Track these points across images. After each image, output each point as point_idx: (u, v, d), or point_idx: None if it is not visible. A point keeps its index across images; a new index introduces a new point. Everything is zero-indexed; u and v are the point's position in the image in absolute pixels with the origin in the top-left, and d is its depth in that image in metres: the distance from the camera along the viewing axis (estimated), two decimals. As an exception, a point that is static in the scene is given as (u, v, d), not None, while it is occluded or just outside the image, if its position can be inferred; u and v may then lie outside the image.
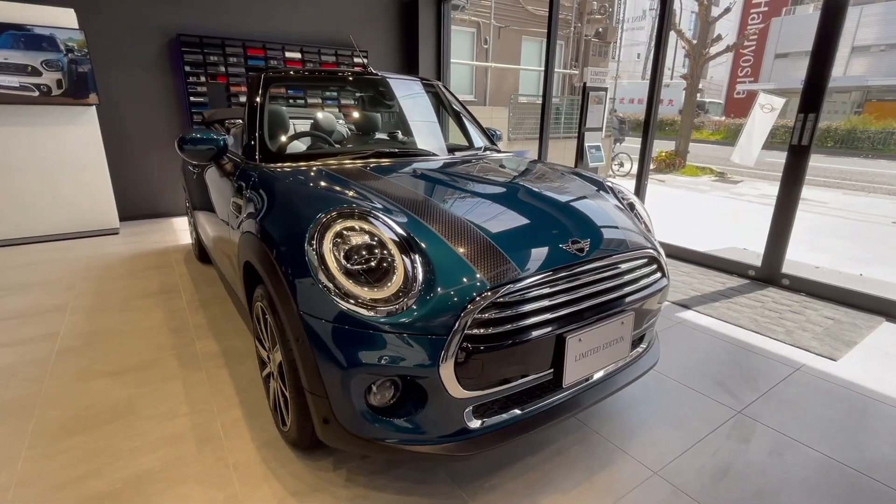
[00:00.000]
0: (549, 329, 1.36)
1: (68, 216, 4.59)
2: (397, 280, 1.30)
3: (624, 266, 1.61)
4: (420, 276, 1.31)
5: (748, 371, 2.31)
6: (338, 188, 1.69)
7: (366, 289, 1.29)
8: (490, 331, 1.28)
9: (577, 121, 11.66)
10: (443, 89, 2.99)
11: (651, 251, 1.71)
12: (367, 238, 1.37)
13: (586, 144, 4.45)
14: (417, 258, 1.34)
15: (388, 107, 2.75)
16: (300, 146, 2.39)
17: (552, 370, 1.44)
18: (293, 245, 1.39)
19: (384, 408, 1.35)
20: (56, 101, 4.36)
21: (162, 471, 1.60)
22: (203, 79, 5.34)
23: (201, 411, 1.92)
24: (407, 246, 1.36)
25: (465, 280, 1.31)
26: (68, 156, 4.51)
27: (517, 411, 1.43)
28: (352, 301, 1.28)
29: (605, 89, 4.43)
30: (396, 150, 2.38)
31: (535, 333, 1.34)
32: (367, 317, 1.26)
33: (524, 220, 1.59)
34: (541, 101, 5.09)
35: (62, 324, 2.69)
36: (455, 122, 2.94)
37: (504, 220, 1.57)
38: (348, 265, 1.33)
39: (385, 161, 2.15)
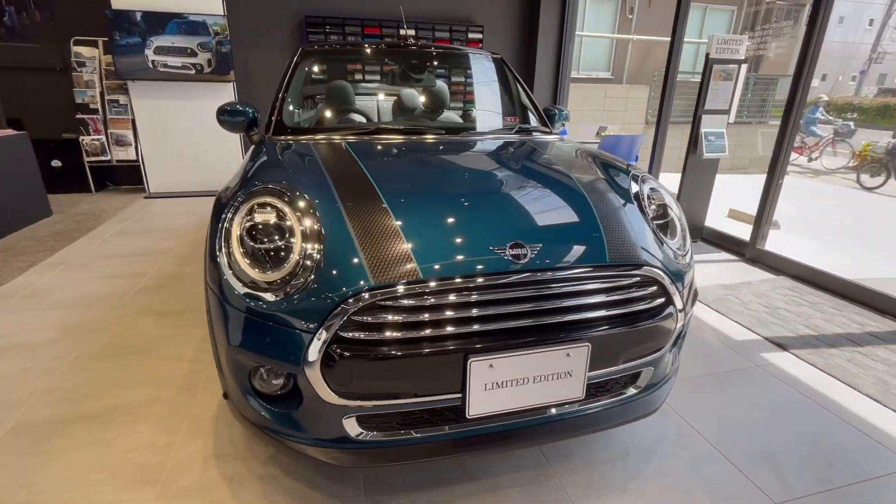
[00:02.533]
0: (447, 346, 1.13)
1: (209, 176, 5.45)
2: (288, 266, 1.20)
3: (591, 285, 1.25)
4: (310, 266, 1.19)
5: (828, 452, 1.67)
6: (300, 164, 1.63)
7: (257, 270, 1.22)
8: (368, 336, 1.11)
9: (749, 105, 9.69)
10: (502, 64, 2.70)
11: (652, 270, 1.30)
12: (275, 218, 1.29)
13: (703, 130, 3.65)
14: (315, 246, 1.22)
15: (432, 80, 2.59)
16: (330, 120, 2.39)
17: (461, 395, 1.20)
18: (216, 215, 1.39)
19: (271, 396, 1.28)
20: (206, 77, 5.15)
21: (137, 406, 1.80)
22: (324, 57, 5.78)
23: (200, 360, 2.11)
24: (310, 232, 1.24)
25: (348, 276, 1.15)
26: (213, 125, 5.34)
27: (414, 434, 1.24)
28: (239, 279, 1.22)
29: (740, 62, 3.54)
30: (402, 128, 2.21)
31: (424, 348, 1.12)
32: (248, 298, 1.20)
33: (465, 214, 1.33)
34: (668, 78, 4.33)
35: (154, 266, 3.22)
36: (507, 100, 2.64)
37: (442, 211, 1.34)
38: (251, 243, 1.27)
39: (396, 137, 2.02)
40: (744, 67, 3.68)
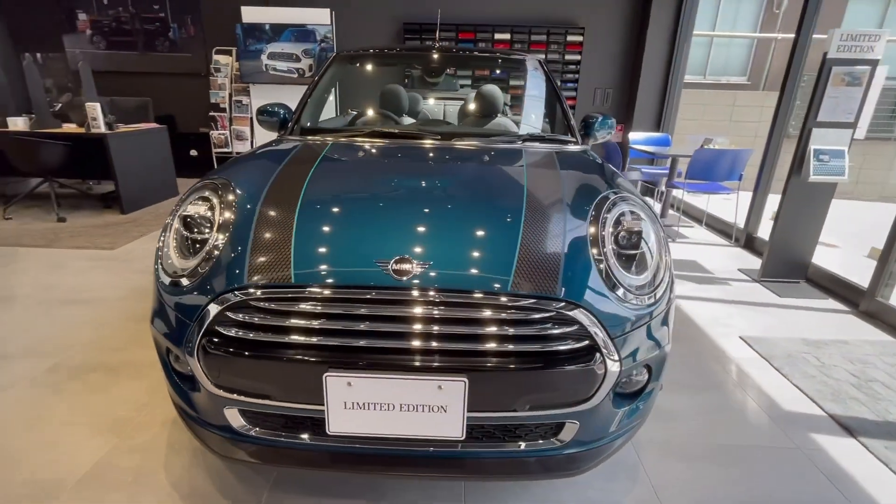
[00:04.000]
0: (305, 357, 1.09)
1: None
2: (199, 256, 1.28)
3: (482, 313, 1.11)
4: (212, 258, 1.25)
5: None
6: (267, 162, 1.69)
7: (179, 257, 1.32)
8: (237, 334, 1.13)
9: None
10: (539, 68, 2.51)
11: (570, 307, 1.11)
12: (205, 210, 1.37)
13: (813, 147, 2.96)
14: (222, 239, 1.27)
15: (453, 85, 2.51)
16: (339, 122, 2.46)
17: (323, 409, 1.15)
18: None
19: (184, 375, 1.37)
20: (305, 81, 5.70)
21: (145, 366, 2.07)
22: (419, 62, 6.00)
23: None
24: (223, 225, 1.30)
25: (230, 273, 1.18)
26: (314, 124, 5.91)
27: (286, 439, 1.22)
28: (164, 264, 1.33)
29: (874, 62, 2.79)
30: (399, 132, 2.15)
31: (284, 355, 1.10)
32: (163, 279, 1.30)
33: (368, 225, 1.27)
34: (787, 83, 3.64)
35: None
36: (537, 106, 2.45)
37: (347, 219, 1.30)
38: (183, 231, 1.37)
39: (388, 142, 2.00)
40: (883, 70, 2.91)
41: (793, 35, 3.71)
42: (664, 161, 5.47)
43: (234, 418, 1.24)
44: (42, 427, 1.70)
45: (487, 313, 1.10)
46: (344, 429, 1.14)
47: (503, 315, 1.10)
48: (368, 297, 1.10)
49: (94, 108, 4.19)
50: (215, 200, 1.38)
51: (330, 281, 1.13)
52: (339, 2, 5.77)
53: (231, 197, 1.38)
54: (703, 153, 4.00)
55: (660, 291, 1.30)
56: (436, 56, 2.52)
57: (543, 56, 2.43)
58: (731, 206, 4.65)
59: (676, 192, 4.70)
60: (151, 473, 1.51)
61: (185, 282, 1.24)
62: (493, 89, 2.32)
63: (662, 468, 1.60)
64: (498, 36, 5.88)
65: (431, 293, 1.10)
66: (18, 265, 3.21)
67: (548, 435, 1.25)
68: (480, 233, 1.25)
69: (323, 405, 1.13)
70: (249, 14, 5.56)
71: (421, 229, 1.26)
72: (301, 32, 5.55)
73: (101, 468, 1.52)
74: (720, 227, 4.58)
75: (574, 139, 2.20)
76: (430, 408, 1.11)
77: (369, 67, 2.49)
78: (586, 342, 1.13)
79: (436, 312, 1.10)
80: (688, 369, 2.20)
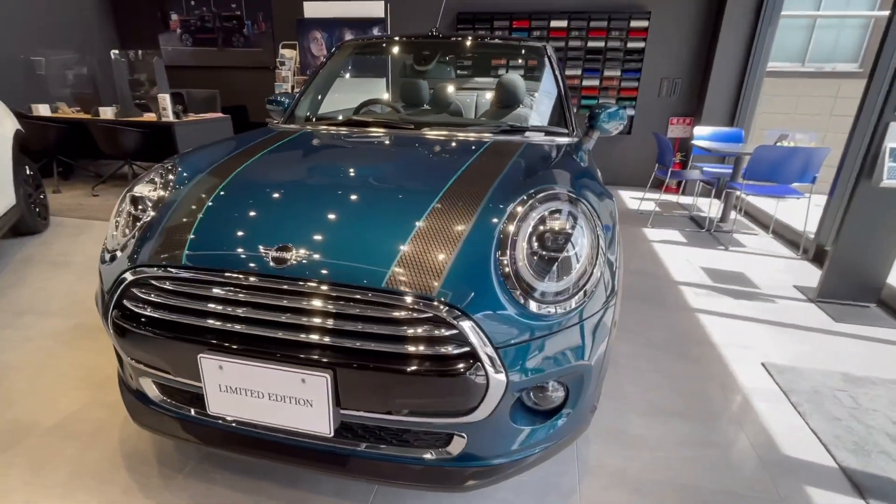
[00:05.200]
0: (183, 336, 1.12)
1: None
2: (129, 235, 1.35)
3: (353, 309, 1.05)
4: (136, 236, 1.32)
5: None
6: (231, 147, 1.74)
7: (117, 233, 1.41)
8: (135, 308, 1.19)
9: None
10: (542, 55, 2.34)
11: (452, 312, 1.02)
12: (149, 191, 1.45)
13: (889, 145, 2.44)
14: (150, 217, 1.34)
15: (446, 72, 2.41)
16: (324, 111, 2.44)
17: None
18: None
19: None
20: (364, 73, 5.87)
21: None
22: (470, 53, 5.90)
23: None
24: (156, 203, 1.37)
25: (138, 249, 1.24)
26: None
27: (189, 412, 1.27)
28: (110, 237, 1.42)
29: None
30: (375, 120, 2.11)
31: (167, 333, 1.14)
32: (103, 253, 1.39)
33: (269, 211, 1.27)
34: (878, 69, 3.07)
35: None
36: (537, 95, 2.29)
37: (255, 204, 1.30)
38: (129, 208, 1.46)
39: (376, 130, 1.99)
40: None
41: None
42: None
43: (149, 388, 1.32)
44: (43, 375, 1.94)
45: (355, 309, 1.05)
46: (221, 410, 1.16)
47: (369, 312, 1.04)
48: (245, 282, 1.10)
49: (164, 100, 4.65)
50: (158, 181, 1.46)
51: (212, 264, 1.14)
52: (393, -6, 5.84)
53: (171, 177, 1.45)
54: (765, 151, 3.50)
55: (575, 301, 1.15)
56: (428, 44, 2.45)
57: (545, 43, 2.27)
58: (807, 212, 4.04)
59: (741, 196, 4.18)
60: (108, 429, 1.65)
61: (111, 256, 1.33)
62: (514, 78, 2.19)
63: (603, 499, 1.43)
64: (554, 24, 5.61)
65: (300, 283, 1.07)
66: (86, 236, 3.68)
67: (437, 445, 1.17)
68: (376, 224, 1.20)
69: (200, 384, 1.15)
70: (310, 9, 5.83)
71: (317, 217, 1.23)
72: (350, 24, 5.71)
73: (71, 419, 1.70)
74: (789, 237, 4.00)
75: (566, 131, 2.03)
76: (297, 400, 1.08)
77: (369, 56, 2.49)
78: (466, 349, 1.04)
79: (304, 303, 1.07)
80: (678, 393, 1.95)
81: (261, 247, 1.14)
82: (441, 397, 1.06)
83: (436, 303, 1.04)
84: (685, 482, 1.51)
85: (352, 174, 1.51)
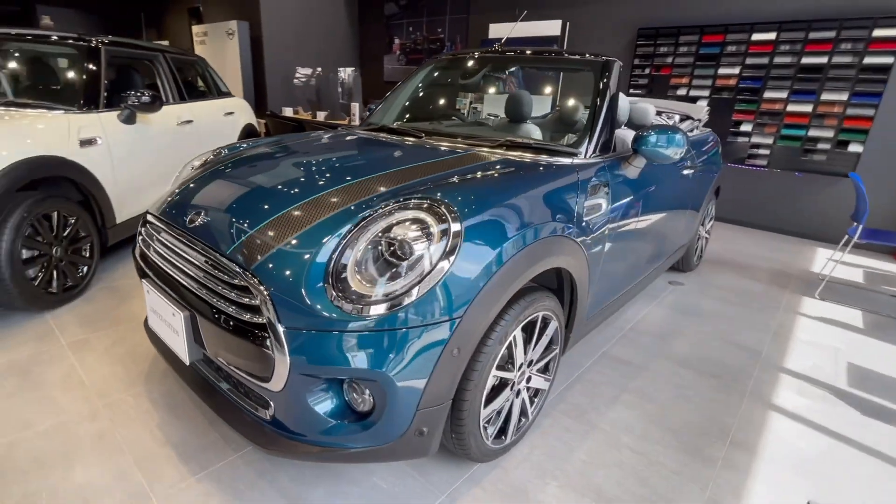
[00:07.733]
0: (141, 265, 1.58)
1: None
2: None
3: (218, 273, 1.31)
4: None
5: None
6: (278, 139, 2.18)
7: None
8: (141, 239, 1.70)
9: None
10: (601, 73, 2.09)
11: (252, 281, 1.20)
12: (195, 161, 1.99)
13: None
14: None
15: (499, 87, 2.34)
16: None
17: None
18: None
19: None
20: (531, 90, 6.00)
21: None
22: (647, 71, 5.39)
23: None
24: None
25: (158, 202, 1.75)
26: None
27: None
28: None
29: None
30: (395, 128, 2.25)
31: (136, 254, 1.62)
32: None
33: (221, 187, 1.61)
34: None
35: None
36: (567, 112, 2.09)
37: (229, 183, 1.64)
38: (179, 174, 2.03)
39: (387, 136, 2.16)
40: None
41: None
42: None
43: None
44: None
45: (208, 267, 1.31)
46: (153, 325, 1.57)
47: (218, 272, 1.29)
48: (174, 233, 1.48)
49: (355, 107, 5.73)
50: (197, 163, 1.98)
51: (163, 218, 1.56)
52: (573, 12, 5.77)
53: (197, 163, 1.95)
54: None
55: (384, 307, 1.15)
56: (480, 60, 2.46)
57: (606, 60, 2.08)
58: None
59: None
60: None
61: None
62: (522, 94, 2.13)
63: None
64: (757, 37, 4.67)
65: (193, 238, 1.39)
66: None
67: (260, 405, 1.33)
68: (258, 206, 1.41)
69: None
70: (494, 30, 6.26)
71: (238, 197, 1.50)
72: (530, 44, 5.88)
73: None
74: None
75: (572, 153, 1.82)
76: (171, 327, 1.41)
77: (436, 74, 2.67)
78: (261, 320, 1.18)
79: (188, 253, 1.38)
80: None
81: (188, 211, 1.50)
82: (248, 359, 1.24)
83: (248, 273, 1.21)
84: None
85: (301, 167, 1.72)
